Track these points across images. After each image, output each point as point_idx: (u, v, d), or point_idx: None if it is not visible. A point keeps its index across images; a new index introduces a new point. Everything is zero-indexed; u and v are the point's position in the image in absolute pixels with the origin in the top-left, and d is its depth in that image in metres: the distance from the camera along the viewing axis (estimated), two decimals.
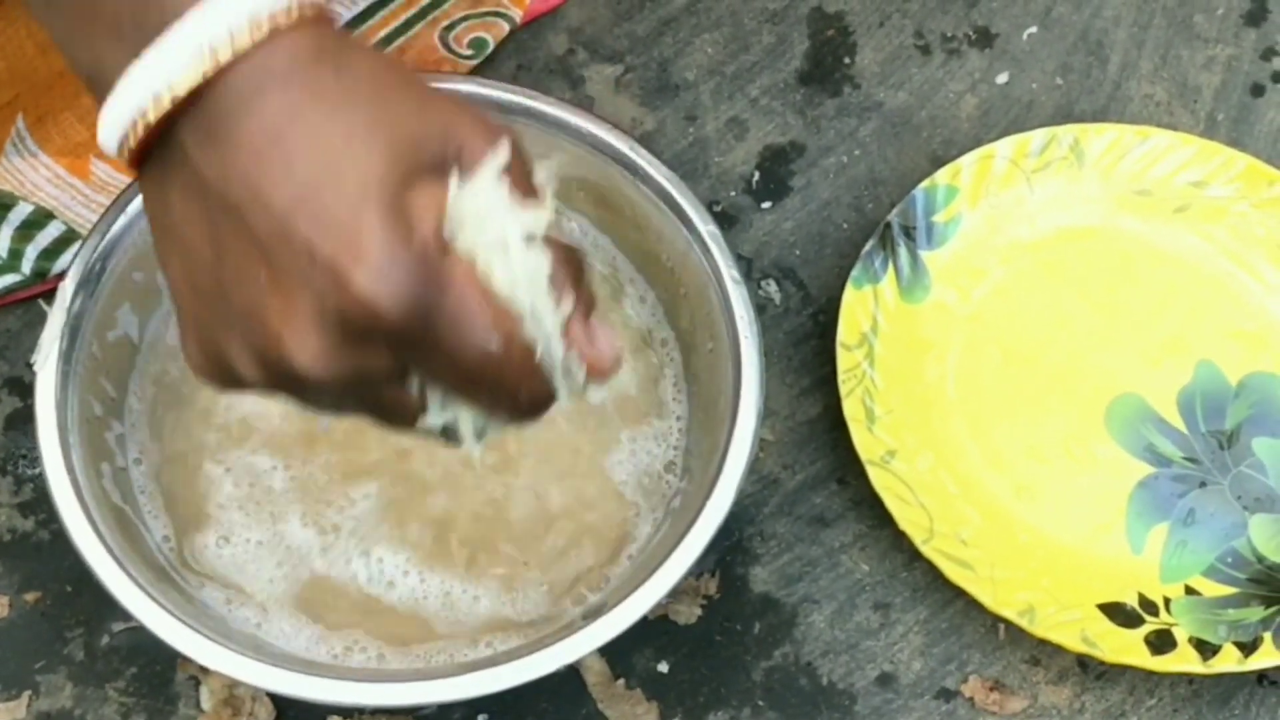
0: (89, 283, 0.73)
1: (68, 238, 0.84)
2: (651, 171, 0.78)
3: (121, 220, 0.75)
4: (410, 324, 0.53)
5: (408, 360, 0.55)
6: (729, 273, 0.76)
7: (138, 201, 0.75)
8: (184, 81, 0.53)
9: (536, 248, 0.56)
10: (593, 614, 0.70)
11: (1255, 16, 0.99)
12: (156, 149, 0.56)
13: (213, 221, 0.55)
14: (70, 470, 0.70)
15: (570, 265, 0.57)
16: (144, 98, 0.54)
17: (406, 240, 0.53)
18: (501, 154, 0.56)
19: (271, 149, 0.53)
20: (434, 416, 0.58)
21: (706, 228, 0.77)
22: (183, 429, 0.77)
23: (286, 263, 0.53)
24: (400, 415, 0.58)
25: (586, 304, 0.58)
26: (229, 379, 0.58)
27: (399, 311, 0.53)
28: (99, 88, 0.55)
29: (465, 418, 0.58)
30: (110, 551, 0.69)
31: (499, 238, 0.55)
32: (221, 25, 0.53)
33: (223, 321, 0.56)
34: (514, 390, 0.57)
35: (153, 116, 0.54)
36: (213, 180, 0.54)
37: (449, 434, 0.59)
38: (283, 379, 0.55)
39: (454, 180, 0.55)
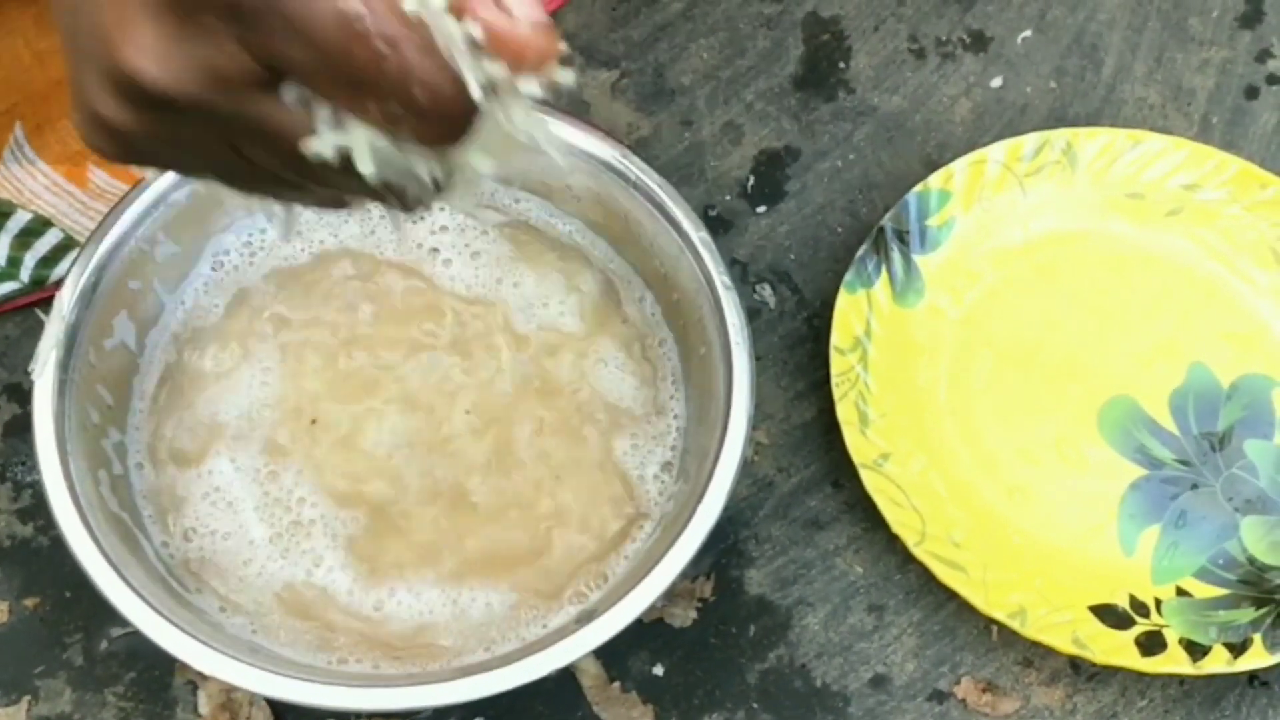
0: (86, 292, 0.74)
1: (65, 245, 0.85)
2: (643, 179, 0.78)
3: (117, 229, 0.75)
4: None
5: (257, 50, 0.46)
6: (720, 279, 0.76)
7: (135, 209, 0.76)
8: None
9: None
10: (586, 617, 0.71)
11: (1250, 19, 0.99)
12: None
13: None
14: (68, 478, 0.71)
15: None
16: None
17: None
18: None
19: None
20: (324, 140, 0.47)
21: (698, 234, 0.77)
22: (185, 431, 0.77)
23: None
24: (286, 145, 0.48)
25: None
26: (102, 131, 0.50)
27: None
28: None
29: (361, 139, 0.46)
30: (108, 559, 0.70)
31: None
32: None
33: (80, 59, 0.49)
34: (404, 82, 0.44)
35: None
36: None
37: (386, 192, 0.49)
38: (137, 102, 0.48)
39: None
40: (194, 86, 0.46)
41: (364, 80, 0.44)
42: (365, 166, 0.46)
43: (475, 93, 0.43)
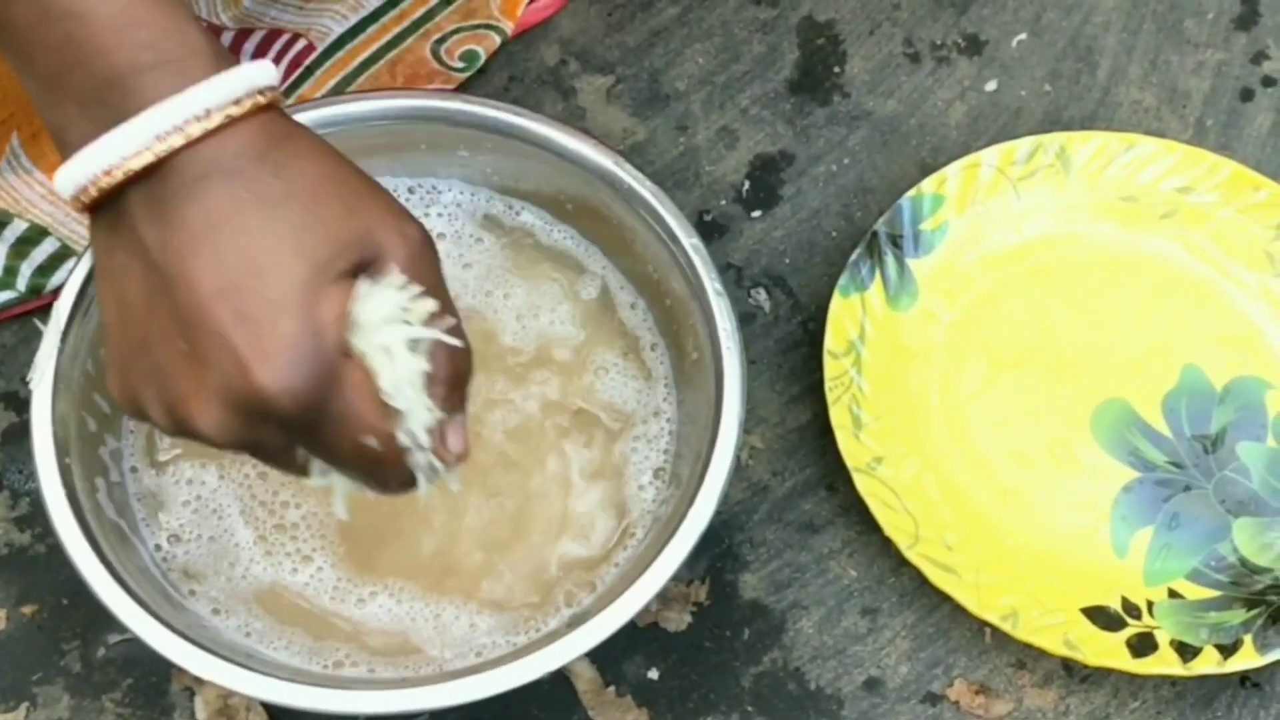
0: (82, 301, 0.74)
1: (62, 254, 0.85)
2: (635, 186, 0.79)
3: None
4: (301, 417, 0.60)
5: (295, 439, 0.62)
6: (712, 285, 0.77)
7: None
8: (136, 162, 0.59)
9: (420, 355, 0.62)
10: (578, 621, 0.71)
11: (1245, 20, 0.99)
12: (109, 203, 0.61)
13: (148, 283, 0.61)
14: (66, 486, 0.71)
15: (452, 368, 0.63)
16: (99, 168, 0.60)
17: (310, 345, 0.59)
18: (405, 263, 0.62)
19: (207, 237, 0.60)
20: (315, 479, 0.65)
21: (690, 240, 0.77)
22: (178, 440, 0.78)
23: (203, 343, 0.59)
24: (286, 470, 0.65)
25: (457, 406, 0.64)
26: (140, 415, 0.63)
27: (292, 408, 0.59)
28: (63, 146, 0.61)
29: (340, 483, 0.65)
30: (106, 566, 0.70)
31: (385, 343, 0.61)
32: (177, 116, 0.59)
33: (143, 369, 0.62)
34: (382, 475, 0.64)
35: (105, 185, 0.60)
36: (152, 249, 0.60)
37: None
38: (185, 433, 0.62)
39: (361, 285, 0.61)
40: (235, 445, 0.62)
41: (357, 470, 0.63)
42: (338, 496, 0.66)
43: (421, 485, 0.64)
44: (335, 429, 0.61)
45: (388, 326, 0.61)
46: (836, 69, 0.97)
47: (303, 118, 0.79)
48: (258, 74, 0.61)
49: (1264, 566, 0.82)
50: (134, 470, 0.77)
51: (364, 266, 0.61)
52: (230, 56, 0.62)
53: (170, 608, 0.72)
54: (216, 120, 0.60)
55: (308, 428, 0.61)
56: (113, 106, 0.60)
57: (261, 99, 0.61)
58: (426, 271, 0.63)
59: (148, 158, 0.59)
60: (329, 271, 0.60)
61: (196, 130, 0.59)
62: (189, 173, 0.60)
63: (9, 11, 0.61)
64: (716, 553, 0.84)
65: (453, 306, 0.64)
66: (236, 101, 0.60)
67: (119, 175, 0.60)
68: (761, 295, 0.90)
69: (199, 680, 0.76)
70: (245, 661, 0.70)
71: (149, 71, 0.60)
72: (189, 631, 0.70)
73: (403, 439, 0.62)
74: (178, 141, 0.59)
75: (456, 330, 0.63)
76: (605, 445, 0.79)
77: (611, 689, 0.81)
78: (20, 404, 0.85)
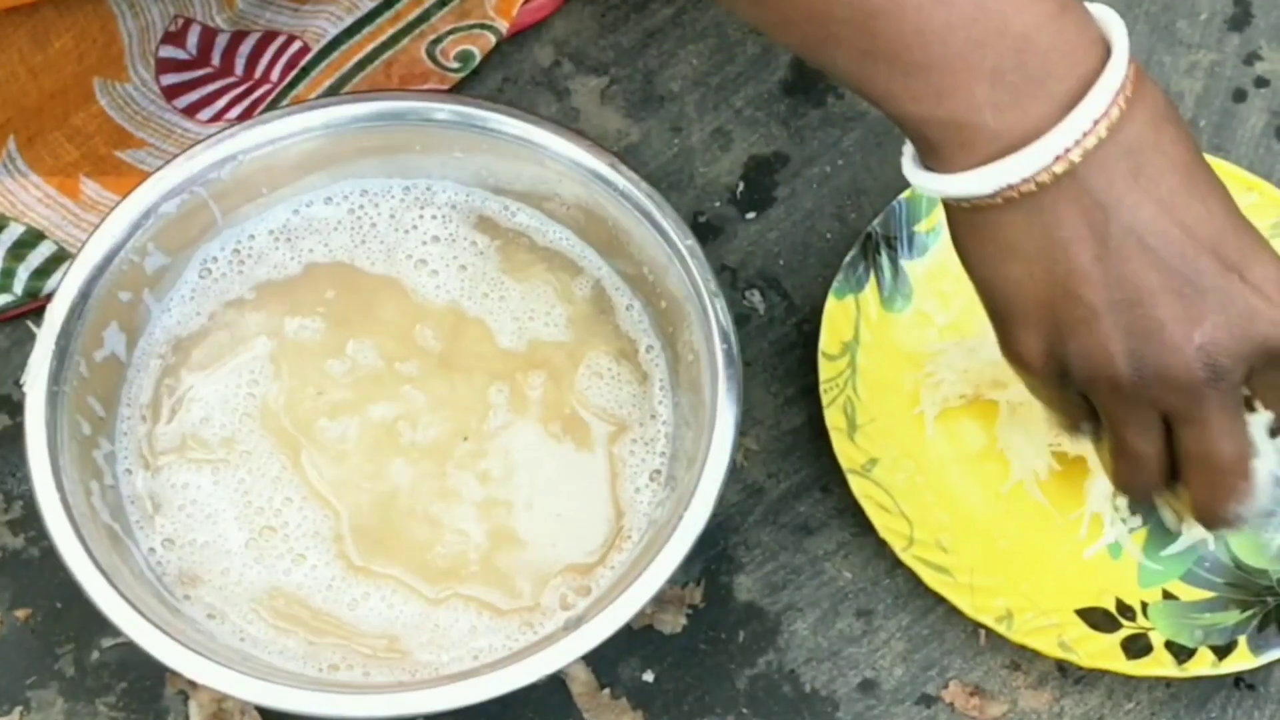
0: (77, 304, 0.74)
1: (59, 257, 0.85)
2: (631, 188, 0.79)
3: (108, 241, 0.76)
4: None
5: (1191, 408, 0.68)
6: (708, 287, 0.77)
7: (124, 221, 0.77)
8: (1105, 126, 0.63)
9: None
10: (574, 624, 0.71)
11: (1238, 21, 0.99)
12: (1032, 194, 0.65)
13: (1105, 253, 0.65)
14: (60, 489, 0.72)
15: None
16: (1066, 143, 0.63)
17: None
18: None
19: (1185, 188, 0.65)
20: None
21: (685, 243, 0.78)
22: (172, 440, 0.78)
23: (1204, 281, 0.65)
24: (1147, 453, 0.71)
25: None
26: (1055, 371, 0.70)
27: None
28: (969, 132, 0.64)
29: (1171, 503, 0.76)
30: (100, 569, 0.70)
31: None
32: (1120, 69, 0.64)
33: (1088, 319, 0.66)
34: (1225, 497, 0.71)
35: (1068, 162, 0.63)
36: (1123, 216, 0.64)
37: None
38: (1141, 375, 0.67)
39: None
40: (1205, 387, 0.67)
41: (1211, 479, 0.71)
42: (1169, 518, 0.79)
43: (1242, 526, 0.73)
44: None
45: None
46: None
47: (299, 119, 0.80)
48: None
49: (1258, 568, 0.82)
50: (128, 473, 0.77)
51: None
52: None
53: (165, 611, 0.72)
54: (1129, 90, 0.64)
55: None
56: (1034, 71, 0.63)
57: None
58: None
59: (1115, 113, 0.63)
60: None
61: (1133, 77, 0.64)
62: (1136, 127, 0.64)
63: (902, 5, 0.63)
64: (711, 555, 0.84)
65: None
66: (1129, 74, 0.64)
67: (1090, 142, 0.63)
68: (756, 297, 0.90)
69: (193, 684, 0.76)
70: (240, 665, 0.70)
71: (1060, 25, 0.63)
72: (183, 635, 0.70)
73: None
74: (1129, 91, 0.63)
75: None
76: (601, 448, 0.79)
77: (606, 691, 0.81)
78: (14, 407, 0.85)
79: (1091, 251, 0.65)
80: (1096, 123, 0.63)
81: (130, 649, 0.70)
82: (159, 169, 0.78)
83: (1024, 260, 0.67)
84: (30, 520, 0.83)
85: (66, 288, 0.74)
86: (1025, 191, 0.64)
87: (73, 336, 0.74)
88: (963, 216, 0.68)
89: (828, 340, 0.85)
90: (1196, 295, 0.65)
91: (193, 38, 0.90)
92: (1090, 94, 0.63)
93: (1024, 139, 0.63)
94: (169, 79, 0.90)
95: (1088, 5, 0.66)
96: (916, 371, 0.85)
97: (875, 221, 0.88)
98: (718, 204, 0.93)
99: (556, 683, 0.80)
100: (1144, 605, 0.81)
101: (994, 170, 0.64)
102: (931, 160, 0.67)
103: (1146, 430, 0.70)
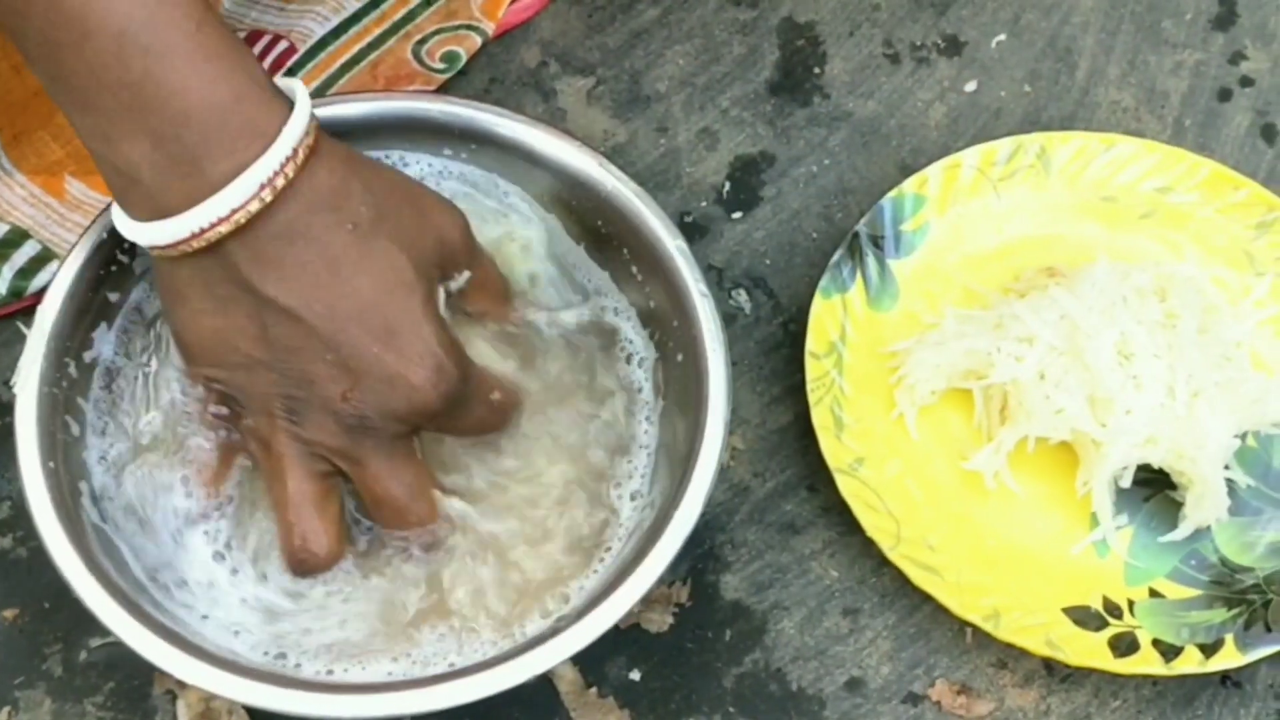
0: (67, 304, 0.74)
1: (43, 257, 0.85)
2: (619, 187, 0.79)
3: (97, 241, 0.76)
4: (450, 400, 0.71)
5: (429, 426, 0.74)
6: (697, 286, 0.77)
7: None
8: (243, 215, 0.66)
9: None
10: (562, 625, 0.71)
11: (1224, 20, 1.00)
12: (196, 253, 0.68)
13: (259, 317, 0.68)
14: (49, 490, 0.71)
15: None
16: (201, 223, 0.66)
17: (446, 340, 0.71)
18: (465, 249, 0.75)
19: (332, 275, 0.68)
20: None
21: (675, 242, 0.78)
22: (157, 441, 0.78)
23: (352, 359, 0.69)
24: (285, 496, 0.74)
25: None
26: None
27: (444, 403, 0.71)
28: (129, 184, 0.67)
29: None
30: (89, 569, 0.70)
31: None
32: (274, 161, 0.66)
33: (248, 367, 0.70)
34: (506, 417, 0.78)
35: (207, 239, 0.66)
36: (266, 291, 0.68)
37: None
38: (293, 422, 0.71)
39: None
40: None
41: (484, 426, 0.77)
42: None
43: None
44: (471, 397, 0.73)
45: None
46: (817, 70, 0.97)
47: None
48: (303, 94, 0.68)
49: (1245, 566, 0.82)
50: (118, 475, 0.77)
51: (444, 262, 0.73)
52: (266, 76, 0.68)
53: (154, 611, 0.72)
54: (301, 157, 0.67)
55: (451, 408, 0.71)
56: (190, 147, 0.65)
57: (313, 130, 0.68)
58: (474, 246, 0.76)
59: (254, 209, 0.66)
60: (433, 276, 0.72)
61: (290, 171, 0.66)
62: (287, 215, 0.67)
63: (81, 48, 0.64)
64: (698, 554, 0.84)
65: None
66: (307, 131, 0.67)
67: (224, 229, 0.66)
68: (742, 296, 0.90)
69: (181, 684, 0.76)
70: (227, 664, 0.70)
71: (227, 112, 0.65)
72: (170, 635, 0.70)
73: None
74: (280, 184, 0.66)
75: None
76: (590, 448, 0.79)
77: (593, 690, 0.81)
78: (3, 407, 0.85)
79: (246, 313, 0.69)
80: (236, 210, 0.65)
81: (118, 649, 0.70)
82: None
83: (194, 308, 0.70)
84: (18, 520, 0.82)
85: (56, 288, 0.74)
86: (185, 251, 0.67)
87: (62, 338, 0.74)
88: (154, 253, 0.70)
89: (814, 340, 0.85)
90: (343, 361, 0.69)
91: None
92: (234, 183, 0.65)
93: (175, 208, 0.66)
94: None
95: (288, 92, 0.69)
96: (896, 373, 0.86)
97: (862, 221, 0.88)
98: (704, 204, 0.93)
99: (543, 682, 0.80)
100: (1131, 603, 0.81)
101: (150, 228, 0.67)
102: (115, 197, 0.69)
103: (310, 478, 0.73)
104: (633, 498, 0.78)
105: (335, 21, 0.93)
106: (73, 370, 0.75)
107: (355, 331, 0.68)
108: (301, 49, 0.92)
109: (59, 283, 0.74)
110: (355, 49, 0.93)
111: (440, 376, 0.70)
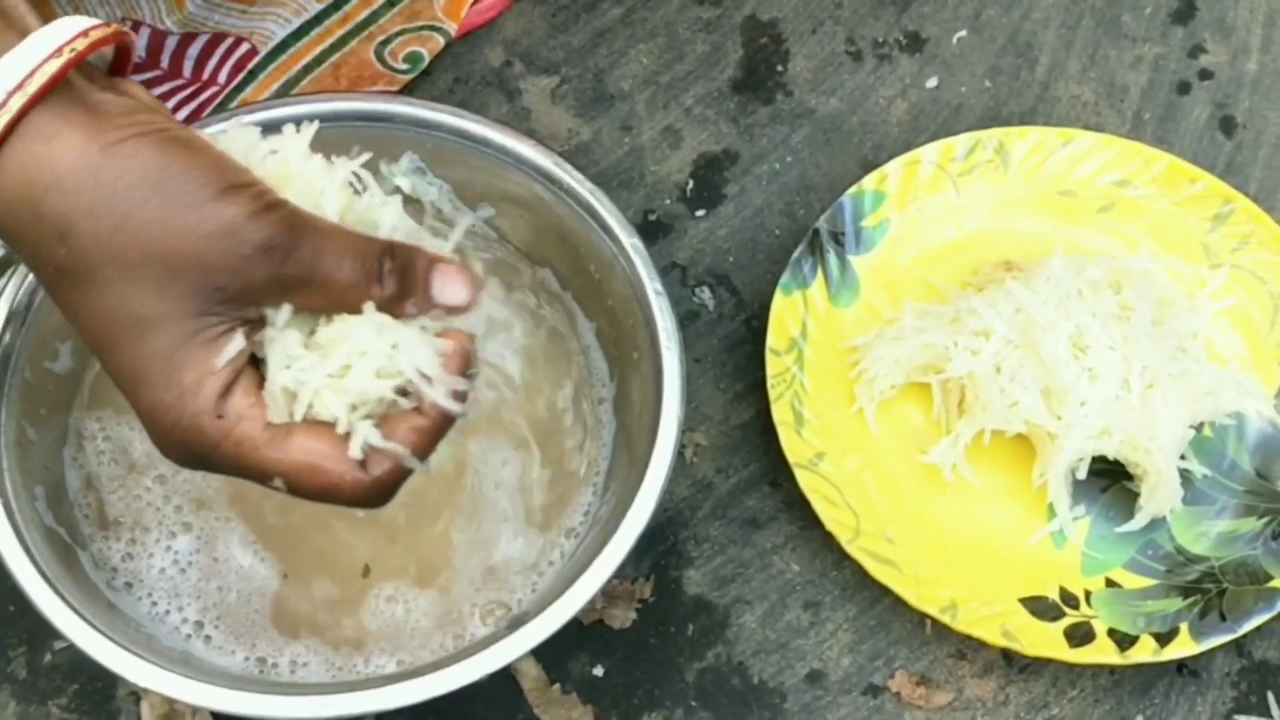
0: (19, 312, 0.74)
1: (3, 262, 0.85)
2: (575, 185, 0.79)
3: None
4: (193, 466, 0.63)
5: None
6: (652, 285, 0.77)
7: None
8: None
9: None
10: (519, 621, 0.72)
11: (1183, 14, 1.00)
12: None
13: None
14: (3, 494, 0.72)
15: None
16: None
17: (172, 417, 0.60)
18: (240, 287, 0.60)
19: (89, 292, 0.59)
20: None
21: (630, 240, 0.78)
22: (117, 447, 0.78)
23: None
24: None
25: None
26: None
27: (181, 463, 0.63)
28: None
29: None
30: (44, 575, 0.70)
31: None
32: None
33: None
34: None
35: None
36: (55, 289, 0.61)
37: None
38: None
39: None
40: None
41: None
42: None
43: None
44: (223, 466, 0.62)
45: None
46: (779, 68, 0.98)
47: (246, 121, 0.79)
48: (68, 29, 0.59)
49: (1200, 555, 0.83)
50: (74, 478, 0.78)
51: (229, 300, 0.60)
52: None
53: (111, 615, 0.72)
54: (14, 107, 0.57)
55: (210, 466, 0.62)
56: None
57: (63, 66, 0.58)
58: (257, 277, 0.60)
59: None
60: (199, 336, 0.60)
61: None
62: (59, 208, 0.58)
63: None
64: (661, 549, 0.84)
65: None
66: (32, 74, 0.57)
67: None
68: (706, 294, 0.91)
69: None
70: (184, 669, 0.70)
71: None
72: (129, 638, 0.70)
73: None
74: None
75: None
76: (547, 444, 0.80)
77: (557, 686, 0.81)
78: None
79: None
80: None
81: (81, 652, 0.71)
82: None
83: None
84: None
85: (9, 295, 0.74)
86: None
87: (17, 343, 0.74)
88: None
89: (775, 336, 0.86)
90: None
91: (142, 40, 0.91)
92: None
93: None
94: None
95: None
96: (856, 368, 0.86)
97: (823, 218, 0.89)
98: (668, 202, 0.94)
99: (506, 678, 0.81)
100: (1087, 594, 0.81)
101: None
102: None
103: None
104: (595, 473, 0.79)
105: (297, 23, 0.94)
106: (29, 375, 0.75)
107: (108, 362, 0.61)
108: (263, 50, 0.93)
109: (10, 288, 0.74)
110: (317, 50, 0.94)
111: (166, 445, 0.62)
